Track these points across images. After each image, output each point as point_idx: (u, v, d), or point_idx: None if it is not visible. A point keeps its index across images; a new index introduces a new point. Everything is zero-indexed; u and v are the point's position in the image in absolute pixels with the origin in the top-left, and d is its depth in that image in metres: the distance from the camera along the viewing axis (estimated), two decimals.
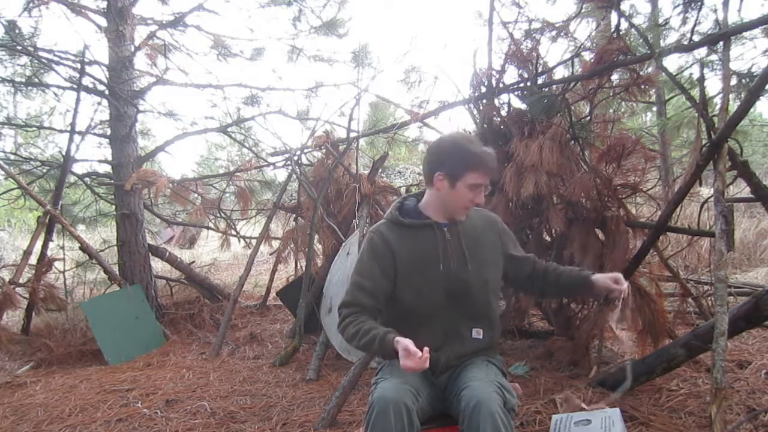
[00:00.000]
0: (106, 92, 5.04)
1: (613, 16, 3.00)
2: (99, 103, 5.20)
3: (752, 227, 6.19)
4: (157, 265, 5.86)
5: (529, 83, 3.17)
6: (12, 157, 5.55)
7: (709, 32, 2.77)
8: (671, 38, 3.35)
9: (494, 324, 1.80)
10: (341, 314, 1.70)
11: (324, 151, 4.57)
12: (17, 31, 4.92)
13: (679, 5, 2.99)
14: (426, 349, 1.44)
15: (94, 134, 5.24)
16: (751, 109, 3.17)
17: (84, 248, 4.79)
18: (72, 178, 5.33)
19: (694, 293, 3.31)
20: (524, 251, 1.90)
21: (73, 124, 4.89)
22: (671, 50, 2.83)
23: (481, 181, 1.68)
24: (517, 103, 3.27)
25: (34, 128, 5.94)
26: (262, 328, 4.79)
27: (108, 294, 4.90)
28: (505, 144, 3.03)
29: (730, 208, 2.37)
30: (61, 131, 5.49)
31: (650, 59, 2.83)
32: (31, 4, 4.87)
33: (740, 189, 3.51)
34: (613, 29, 2.97)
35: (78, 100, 4.90)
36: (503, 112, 3.25)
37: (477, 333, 1.74)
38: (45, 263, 4.62)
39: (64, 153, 5.01)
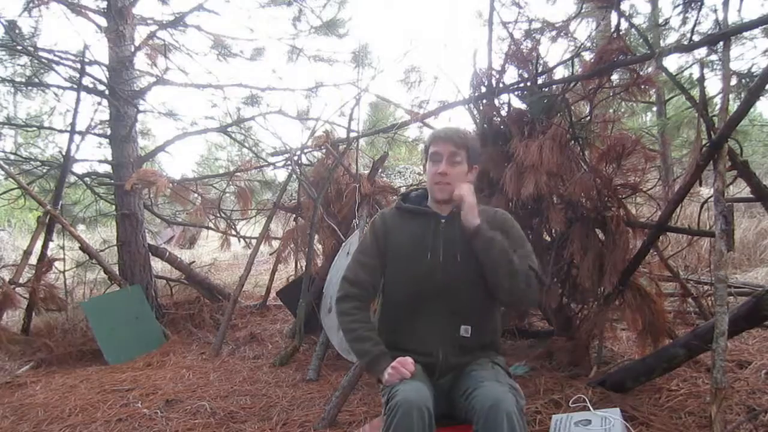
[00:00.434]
0: (106, 92, 5.05)
1: (613, 16, 2.99)
2: (99, 103, 5.20)
3: (752, 227, 6.19)
4: (157, 265, 5.86)
5: (529, 83, 3.16)
6: (12, 157, 5.54)
7: (709, 32, 2.76)
8: (671, 38, 3.35)
9: (486, 324, 1.77)
10: (342, 290, 1.79)
11: (324, 151, 4.57)
12: (17, 31, 4.92)
13: (679, 5, 2.99)
14: (410, 360, 1.59)
15: (94, 134, 5.25)
16: (751, 109, 3.17)
17: (84, 248, 4.79)
18: (72, 178, 5.32)
19: (694, 293, 3.31)
20: None
21: (73, 124, 4.89)
22: (671, 50, 2.83)
23: (437, 149, 1.75)
24: (517, 103, 3.26)
25: (34, 128, 5.93)
26: (262, 328, 4.79)
27: (108, 294, 4.90)
28: (505, 144, 3.03)
29: (730, 208, 2.37)
30: (61, 131, 5.48)
31: (650, 59, 2.83)
32: (31, 4, 4.86)
33: (740, 189, 3.50)
34: (613, 29, 2.96)
35: (78, 100, 4.90)
36: (503, 112, 3.25)
37: (465, 331, 1.72)
38: (45, 263, 4.62)
39: (64, 153, 5.01)
